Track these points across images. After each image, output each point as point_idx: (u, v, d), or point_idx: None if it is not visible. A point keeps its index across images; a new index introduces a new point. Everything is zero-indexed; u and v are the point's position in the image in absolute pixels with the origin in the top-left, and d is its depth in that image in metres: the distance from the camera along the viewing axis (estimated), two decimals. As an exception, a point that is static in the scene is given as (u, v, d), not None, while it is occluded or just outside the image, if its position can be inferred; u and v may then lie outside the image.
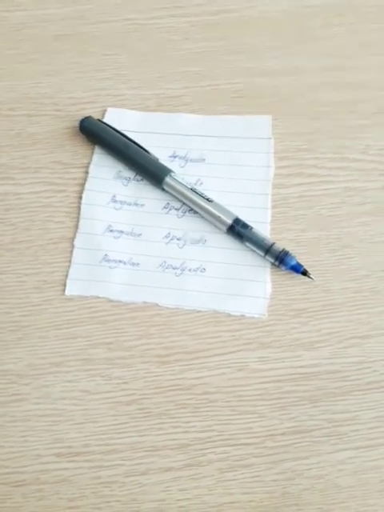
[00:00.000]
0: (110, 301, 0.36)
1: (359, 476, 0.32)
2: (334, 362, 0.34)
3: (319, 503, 0.31)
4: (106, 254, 0.37)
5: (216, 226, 0.38)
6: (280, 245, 0.36)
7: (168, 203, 0.39)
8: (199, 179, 0.40)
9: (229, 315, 0.35)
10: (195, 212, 0.38)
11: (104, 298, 0.36)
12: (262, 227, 0.38)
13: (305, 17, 0.47)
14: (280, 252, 0.36)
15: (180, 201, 0.39)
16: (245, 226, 0.37)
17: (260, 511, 0.31)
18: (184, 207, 0.39)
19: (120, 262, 0.37)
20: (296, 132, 0.42)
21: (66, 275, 0.36)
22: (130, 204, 0.39)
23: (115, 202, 0.39)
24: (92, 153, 0.41)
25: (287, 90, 0.43)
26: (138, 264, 0.37)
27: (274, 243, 0.36)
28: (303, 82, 0.44)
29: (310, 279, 0.36)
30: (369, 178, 0.40)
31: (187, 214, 0.39)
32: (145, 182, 0.40)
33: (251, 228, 0.37)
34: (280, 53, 0.45)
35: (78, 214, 0.39)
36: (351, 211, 0.39)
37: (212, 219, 0.38)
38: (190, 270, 0.37)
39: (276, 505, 0.31)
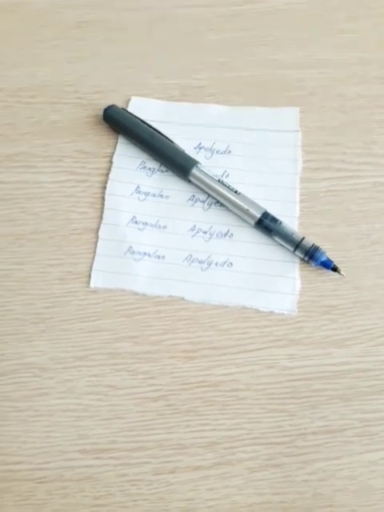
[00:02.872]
0: (135, 294, 0.35)
1: (392, 477, 0.31)
2: (366, 360, 0.33)
3: (352, 505, 0.30)
4: (130, 246, 0.36)
5: (243, 220, 0.37)
6: (310, 239, 0.35)
7: (193, 195, 0.38)
8: (225, 171, 0.39)
9: (257, 311, 0.34)
10: (221, 205, 0.37)
11: (129, 290, 0.35)
12: (290, 222, 0.37)
13: (330, 9, 0.46)
14: (310, 247, 0.35)
15: (206, 193, 0.38)
16: (274, 219, 0.36)
17: (291, 512, 0.30)
18: (210, 199, 0.38)
19: (145, 254, 0.36)
20: (323, 126, 0.41)
21: (91, 267, 0.35)
22: (154, 195, 0.38)
23: (139, 192, 0.38)
24: (116, 142, 0.40)
25: (313, 82, 0.43)
26: (163, 257, 0.36)
27: (303, 238, 0.35)
28: (329, 75, 0.43)
29: (339, 275, 0.35)
30: (397, 174, 0.39)
31: (213, 206, 0.38)
32: (169, 173, 0.39)
33: (280, 222, 0.36)
34: (305, 45, 0.44)
35: (102, 204, 0.38)
36: (380, 207, 0.38)
37: (240, 212, 0.37)
38: (216, 264, 0.36)
39: (308, 506, 0.30)
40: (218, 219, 0.37)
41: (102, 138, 0.40)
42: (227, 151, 0.40)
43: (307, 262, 0.35)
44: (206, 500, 0.30)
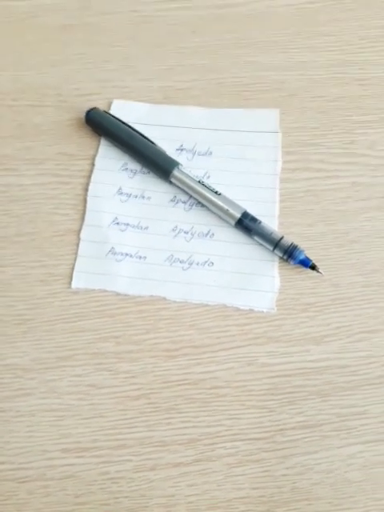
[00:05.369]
0: (117, 294, 0.35)
1: (369, 470, 0.31)
2: (343, 356, 0.34)
3: (329, 498, 0.31)
4: (112, 247, 0.37)
5: (224, 220, 0.37)
6: (289, 239, 0.36)
7: (175, 196, 0.39)
8: (207, 172, 0.39)
9: (237, 309, 0.35)
10: (202, 205, 0.38)
11: (111, 291, 0.35)
12: (270, 221, 0.37)
13: (311, 12, 0.47)
14: (289, 246, 0.36)
15: (187, 194, 0.38)
16: (253, 219, 0.36)
17: (270, 506, 0.31)
18: (191, 200, 0.38)
19: (127, 254, 0.37)
20: (302, 126, 0.41)
21: (72, 268, 0.36)
22: (136, 196, 0.39)
23: (121, 194, 0.39)
24: (98, 145, 0.40)
25: (294, 84, 0.43)
26: (144, 257, 0.37)
27: (282, 237, 0.36)
28: (309, 77, 0.44)
29: (318, 274, 0.36)
30: (375, 174, 0.40)
31: (194, 207, 0.38)
32: (151, 174, 0.39)
33: (260, 222, 0.36)
34: (286, 48, 0.45)
35: (84, 206, 0.38)
36: (358, 206, 0.38)
37: (220, 213, 0.37)
38: (197, 263, 0.36)
39: (286, 499, 0.31)
40: (199, 219, 0.38)
41: (85, 140, 0.40)
42: (208, 153, 0.40)
43: (286, 261, 0.36)
44: (186, 496, 0.31)
